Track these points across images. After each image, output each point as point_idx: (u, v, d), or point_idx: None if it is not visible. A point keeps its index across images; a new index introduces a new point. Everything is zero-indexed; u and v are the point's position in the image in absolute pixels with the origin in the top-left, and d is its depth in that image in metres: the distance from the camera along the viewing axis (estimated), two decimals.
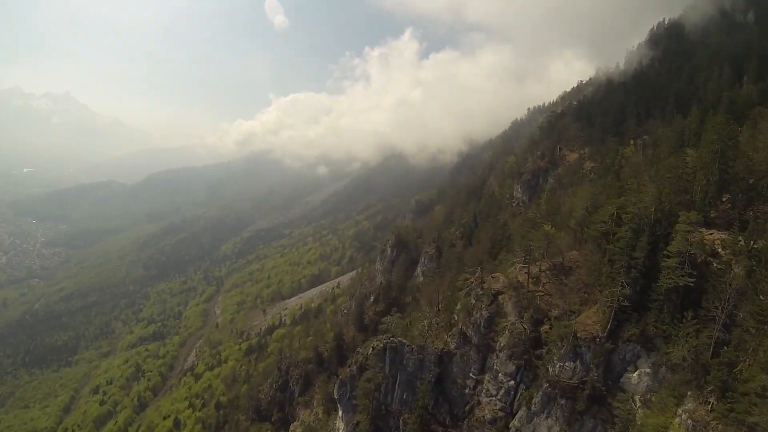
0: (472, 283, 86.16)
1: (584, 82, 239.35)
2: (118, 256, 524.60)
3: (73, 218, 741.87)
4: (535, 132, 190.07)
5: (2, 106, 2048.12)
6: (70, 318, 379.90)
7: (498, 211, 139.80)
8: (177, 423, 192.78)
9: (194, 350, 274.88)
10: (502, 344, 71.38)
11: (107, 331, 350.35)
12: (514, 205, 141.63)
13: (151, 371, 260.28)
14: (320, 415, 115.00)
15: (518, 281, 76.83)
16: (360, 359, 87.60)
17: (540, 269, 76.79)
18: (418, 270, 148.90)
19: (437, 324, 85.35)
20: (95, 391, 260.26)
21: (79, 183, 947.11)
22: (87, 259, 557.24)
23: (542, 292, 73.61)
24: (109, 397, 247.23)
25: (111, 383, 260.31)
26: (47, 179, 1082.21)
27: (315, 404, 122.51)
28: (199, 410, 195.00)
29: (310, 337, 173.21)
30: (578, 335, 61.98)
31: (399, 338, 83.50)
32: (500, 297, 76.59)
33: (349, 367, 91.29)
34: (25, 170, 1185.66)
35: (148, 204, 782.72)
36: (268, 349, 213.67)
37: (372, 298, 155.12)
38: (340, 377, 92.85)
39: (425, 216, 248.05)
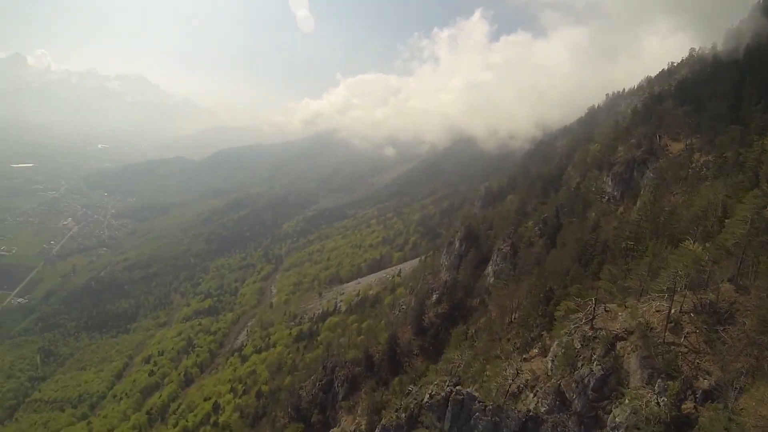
0: (578, 317, 56.52)
1: (676, 63, 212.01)
2: (182, 230, 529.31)
3: (141, 192, 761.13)
4: (621, 117, 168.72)
5: (79, 87, 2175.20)
6: (132, 287, 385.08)
7: (584, 207, 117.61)
8: (216, 407, 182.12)
9: (246, 329, 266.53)
10: (617, 420, 43.66)
11: (165, 302, 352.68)
12: (603, 201, 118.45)
13: (201, 347, 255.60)
14: (363, 427, 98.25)
15: (647, 324, 48.93)
16: (411, 405, 66.75)
17: (681, 309, 49.40)
18: (489, 269, 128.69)
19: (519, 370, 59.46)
20: (147, 360, 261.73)
21: (148, 159, 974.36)
22: (152, 231, 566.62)
23: (685, 347, 45.86)
24: (158, 369, 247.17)
25: (162, 354, 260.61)
26: (119, 155, 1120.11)
27: (359, 412, 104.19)
28: (240, 397, 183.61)
29: (361, 336, 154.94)
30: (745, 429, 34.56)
31: (468, 389, 59.37)
32: (619, 345, 49.60)
33: (396, 412, 70.54)
34: (99, 146, 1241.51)
35: (214, 180, 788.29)
36: (318, 338, 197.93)
37: (434, 296, 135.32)
38: (384, 424, 71.69)
39: (495, 205, 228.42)
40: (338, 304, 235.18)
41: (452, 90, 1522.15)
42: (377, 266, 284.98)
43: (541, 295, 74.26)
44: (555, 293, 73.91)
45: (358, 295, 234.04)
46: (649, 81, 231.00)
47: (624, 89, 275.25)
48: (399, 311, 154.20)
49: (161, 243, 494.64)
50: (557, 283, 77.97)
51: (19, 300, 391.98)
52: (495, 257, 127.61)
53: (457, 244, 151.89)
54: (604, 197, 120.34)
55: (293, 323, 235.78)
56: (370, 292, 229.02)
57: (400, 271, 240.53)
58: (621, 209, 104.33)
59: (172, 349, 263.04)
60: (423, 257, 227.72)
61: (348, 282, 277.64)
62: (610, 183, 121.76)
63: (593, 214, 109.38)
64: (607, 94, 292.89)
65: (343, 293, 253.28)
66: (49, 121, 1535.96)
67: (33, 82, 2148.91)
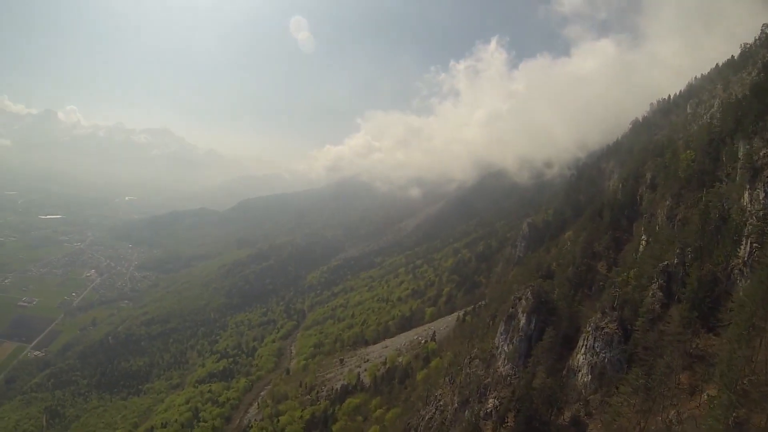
0: None
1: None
2: (203, 282, 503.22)
3: (166, 244, 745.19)
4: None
5: (107, 141, 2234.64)
6: (148, 343, 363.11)
7: (716, 240, 75.27)
8: None
9: (257, 400, 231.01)
10: None
11: (181, 361, 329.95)
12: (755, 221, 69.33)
13: (206, 422, 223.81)
14: None
15: None
16: None
17: None
18: (580, 360, 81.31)
19: None
20: None
21: (173, 210, 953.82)
22: (174, 283, 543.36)
23: None
24: None
25: (165, 426, 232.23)
26: (145, 207, 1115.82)
27: None
28: None
29: None
30: None
31: None
32: None
33: None
34: (126, 198, 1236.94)
35: (238, 230, 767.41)
36: (334, 428, 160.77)
37: (491, 401, 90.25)
38: None
39: (542, 244, 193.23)
40: (361, 375, 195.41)
41: (476, 123, 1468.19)
42: (407, 324, 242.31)
43: None
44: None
45: (384, 363, 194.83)
46: (730, 64, 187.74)
47: (670, 95, 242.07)
48: (436, 411, 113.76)
49: (182, 297, 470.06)
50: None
51: (36, 353, 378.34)
52: (589, 341, 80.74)
53: (522, 319, 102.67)
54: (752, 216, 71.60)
55: (308, 398, 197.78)
56: (399, 360, 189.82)
57: (434, 334, 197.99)
58: None
59: (176, 421, 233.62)
60: (460, 315, 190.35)
61: (374, 344, 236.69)
62: (762, 196, 72.01)
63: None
64: (651, 104, 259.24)
65: (368, 359, 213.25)
66: (78, 174, 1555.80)
67: (63, 137, 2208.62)
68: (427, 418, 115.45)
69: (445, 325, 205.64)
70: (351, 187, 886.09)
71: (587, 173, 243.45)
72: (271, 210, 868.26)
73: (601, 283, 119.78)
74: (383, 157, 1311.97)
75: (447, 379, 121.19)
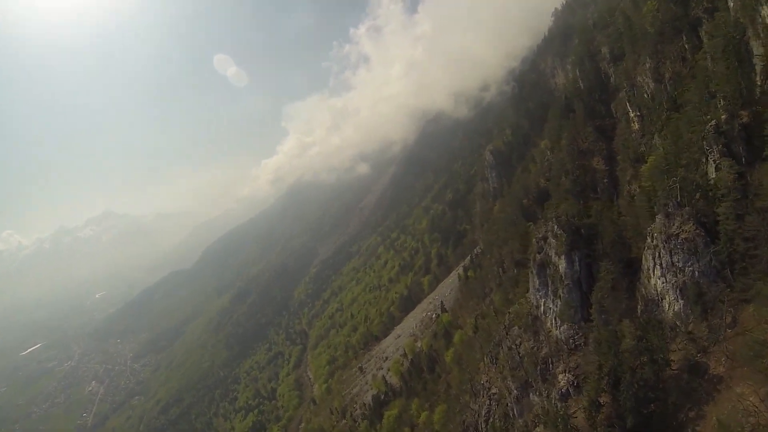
0: None
1: None
2: (199, 345, 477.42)
3: (150, 323, 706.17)
4: None
5: (56, 249, 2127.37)
6: (173, 429, 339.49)
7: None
8: None
9: None
10: None
11: None
12: None
13: None
14: None
15: None
16: None
17: None
18: (658, 285, 60.73)
19: None
20: None
21: (145, 287, 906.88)
22: (174, 358, 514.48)
23: None
24: None
25: None
26: (119, 295, 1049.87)
27: None
28: None
29: None
30: None
31: None
32: None
33: None
34: (97, 296, 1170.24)
35: (213, 280, 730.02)
36: None
37: (564, 382, 68.74)
38: None
39: (513, 167, 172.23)
40: (387, 378, 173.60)
41: (396, 79, 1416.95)
42: (410, 303, 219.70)
43: None
44: None
45: (405, 355, 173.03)
46: None
47: None
48: (490, 403, 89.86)
49: (186, 369, 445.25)
50: None
51: None
52: (663, 258, 59.15)
53: (562, 263, 76.28)
54: None
55: (345, 423, 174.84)
56: (419, 346, 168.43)
57: (442, 304, 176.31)
58: None
59: None
60: (460, 273, 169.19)
61: (385, 338, 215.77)
62: None
63: None
64: None
65: (386, 357, 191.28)
66: (41, 293, 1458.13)
67: (10, 264, 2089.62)
68: (483, 413, 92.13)
69: (449, 289, 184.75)
70: (299, 191, 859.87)
71: (528, 79, 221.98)
72: (235, 246, 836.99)
73: (605, 181, 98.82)
74: (319, 149, 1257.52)
75: (487, 359, 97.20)
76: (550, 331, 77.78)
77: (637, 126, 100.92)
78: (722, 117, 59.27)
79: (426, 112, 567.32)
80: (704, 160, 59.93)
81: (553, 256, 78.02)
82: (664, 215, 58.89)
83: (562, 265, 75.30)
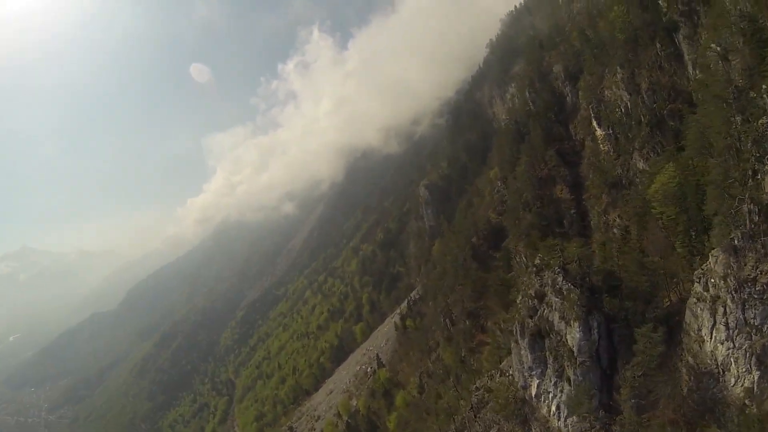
0: None
1: None
2: (121, 393, 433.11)
3: (69, 369, 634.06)
4: None
5: None
6: None
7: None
8: None
9: None
10: None
11: None
12: None
13: None
14: None
15: None
16: None
17: None
18: (717, 352, 41.59)
19: None
20: None
21: (65, 330, 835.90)
22: (94, 409, 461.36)
23: None
24: None
25: None
26: (34, 339, 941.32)
27: None
28: None
29: None
30: None
31: None
32: None
33: None
34: (11, 338, 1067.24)
35: (137, 322, 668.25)
36: None
37: None
38: None
39: (452, 202, 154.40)
40: None
41: (323, 115, 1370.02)
42: (341, 354, 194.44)
43: None
44: None
45: (339, 416, 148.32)
46: None
47: (515, 5, 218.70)
48: None
49: (106, 421, 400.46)
50: None
51: None
52: (726, 315, 40.92)
53: (574, 333, 53.31)
54: None
55: None
56: (354, 405, 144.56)
57: (378, 357, 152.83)
58: None
59: None
60: (397, 322, 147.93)
61: (316, 392, 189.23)
62: None
63: None
64: (501, 19, 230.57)
65: (318, 417, 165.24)
66: None
67: None
68: None
69: (384, 339, 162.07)
70: (226, 231, 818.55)
71: (465, 109, 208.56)
72: (161, 288, 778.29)
73: (573, 212, 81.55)
74: (247, 187, 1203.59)
75: None
76: (549, 421, 55.19)
77: (607, 146, 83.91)
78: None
79: (355, 149, 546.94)
80: (753, 171, 40.61)
81: (556, 323, 54.97)
82: (729, 252, 38.70)
83: (575, 335, 52.01)
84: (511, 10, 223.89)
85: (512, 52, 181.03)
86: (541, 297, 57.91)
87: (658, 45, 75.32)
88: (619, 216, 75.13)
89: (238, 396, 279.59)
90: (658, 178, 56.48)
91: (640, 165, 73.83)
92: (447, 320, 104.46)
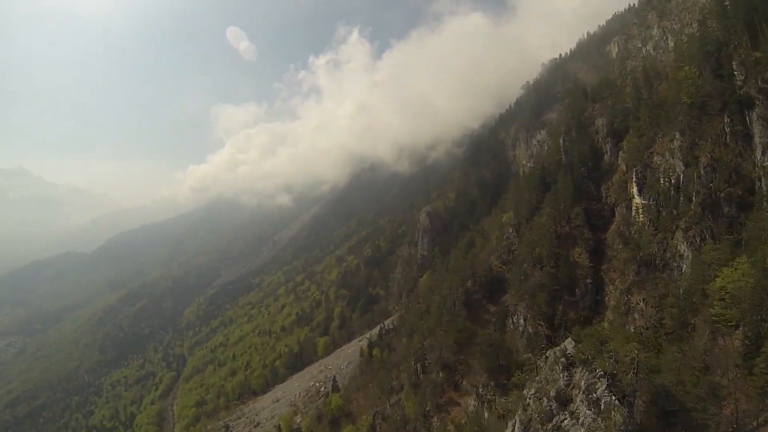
0: None
1: None
2: (73, 339, 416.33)
3: (30, 300, 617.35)
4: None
5: None
6: (16, 429, 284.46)
7: None
8: None
9: None
10: None
11: None
12: None
13: None
14: None
15: None
16: None
17: None
18: None
19: None
20: None
21: (35, 260, 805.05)
22: (43, 346, 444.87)
23: None
24: None
25: None
26: (6, 260, 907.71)
27: None
28: None
29: None
30: None
31: None
32: None
33: None
34: None
35: (109, 272, 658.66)
36: None
37: None
38: None
39: (452, 236, 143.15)
40: None
41: (343, 117, 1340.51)
42: (298, 362, 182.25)
43: None
44: None
45: (279, 429, 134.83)
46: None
47: (560, 54, 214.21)
48: None
49: (51, 362, 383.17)
50: None
51: None
52: None
53: None
54: None
55: None
56: (298, 422, 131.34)
57: (335, 380, 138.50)
58: None
59: None
60: (363, 347, 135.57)
61: (263, 395, 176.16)
62: None
63: None
64: (543, 64, 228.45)
65: (258, 423, 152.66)
66: None
67: None
68: None
69: (346, 360, 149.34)
70: (218, 206, 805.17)
71: (486, 145, 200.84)
72: (142, 244, 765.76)
73: (588, 282, 69.36)
74: (250, 169, 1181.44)
75: None
76: None
77: (644, 218, 72.78)
78: None
79: (364, 158, 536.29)
80: None
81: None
82: None
83: None
84: (555, 57, 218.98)
85: (548, 99, 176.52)
86: (564, 402, 42.45)
87: (726, 119, 65.02)
88: (644, 300, 63.87)
89: (185, 374, 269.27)
90: (726, 272, 44.93)
91: (682, 248, 62.74)
92: (419, 364, 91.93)
